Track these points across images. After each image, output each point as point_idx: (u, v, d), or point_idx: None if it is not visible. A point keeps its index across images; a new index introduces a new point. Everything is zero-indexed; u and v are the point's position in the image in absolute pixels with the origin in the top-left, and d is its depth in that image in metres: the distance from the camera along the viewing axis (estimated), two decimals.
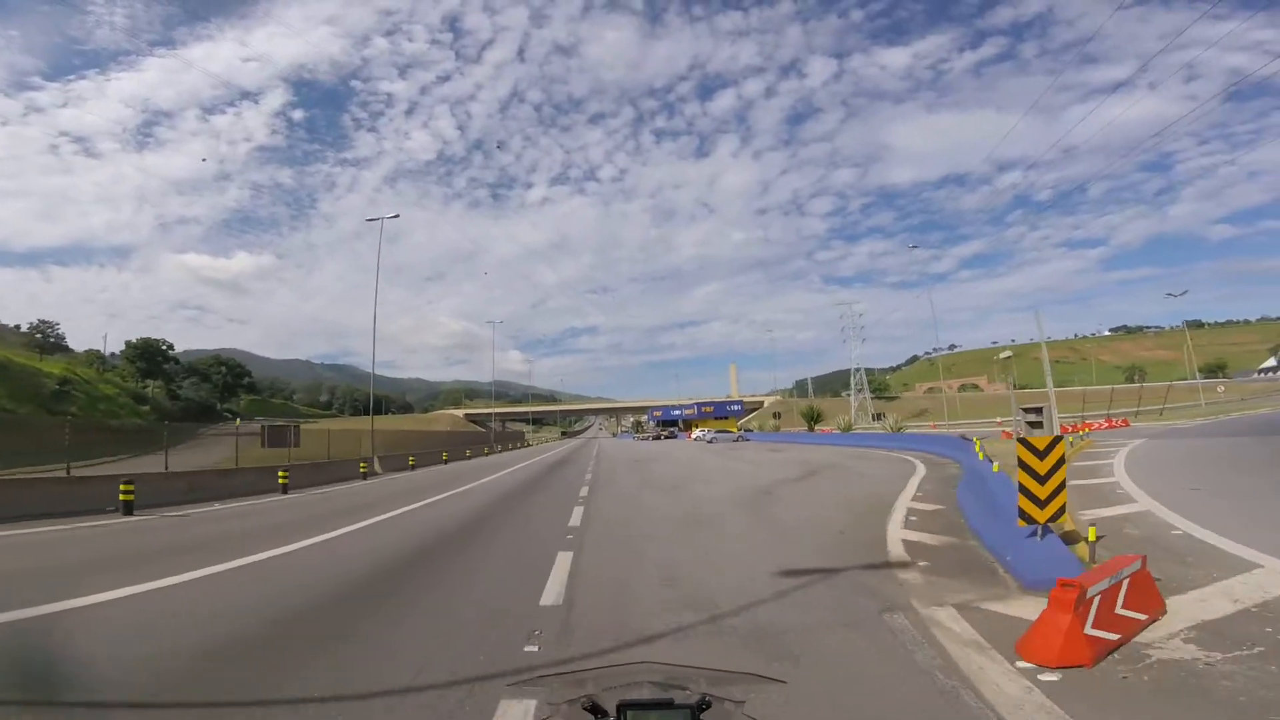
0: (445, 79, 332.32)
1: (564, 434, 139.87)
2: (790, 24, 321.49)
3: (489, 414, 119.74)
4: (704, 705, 1.10)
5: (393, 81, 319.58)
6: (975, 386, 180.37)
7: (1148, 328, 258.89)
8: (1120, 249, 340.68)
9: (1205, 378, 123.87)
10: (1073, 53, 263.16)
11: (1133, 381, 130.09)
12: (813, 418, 47.76)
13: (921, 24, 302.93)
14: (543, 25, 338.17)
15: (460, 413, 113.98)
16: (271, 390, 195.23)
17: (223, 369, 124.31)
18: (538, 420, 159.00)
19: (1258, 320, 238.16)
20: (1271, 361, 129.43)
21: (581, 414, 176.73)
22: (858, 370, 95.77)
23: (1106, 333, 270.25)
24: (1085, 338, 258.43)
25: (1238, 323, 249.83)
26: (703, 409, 79.29)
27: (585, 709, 1.12)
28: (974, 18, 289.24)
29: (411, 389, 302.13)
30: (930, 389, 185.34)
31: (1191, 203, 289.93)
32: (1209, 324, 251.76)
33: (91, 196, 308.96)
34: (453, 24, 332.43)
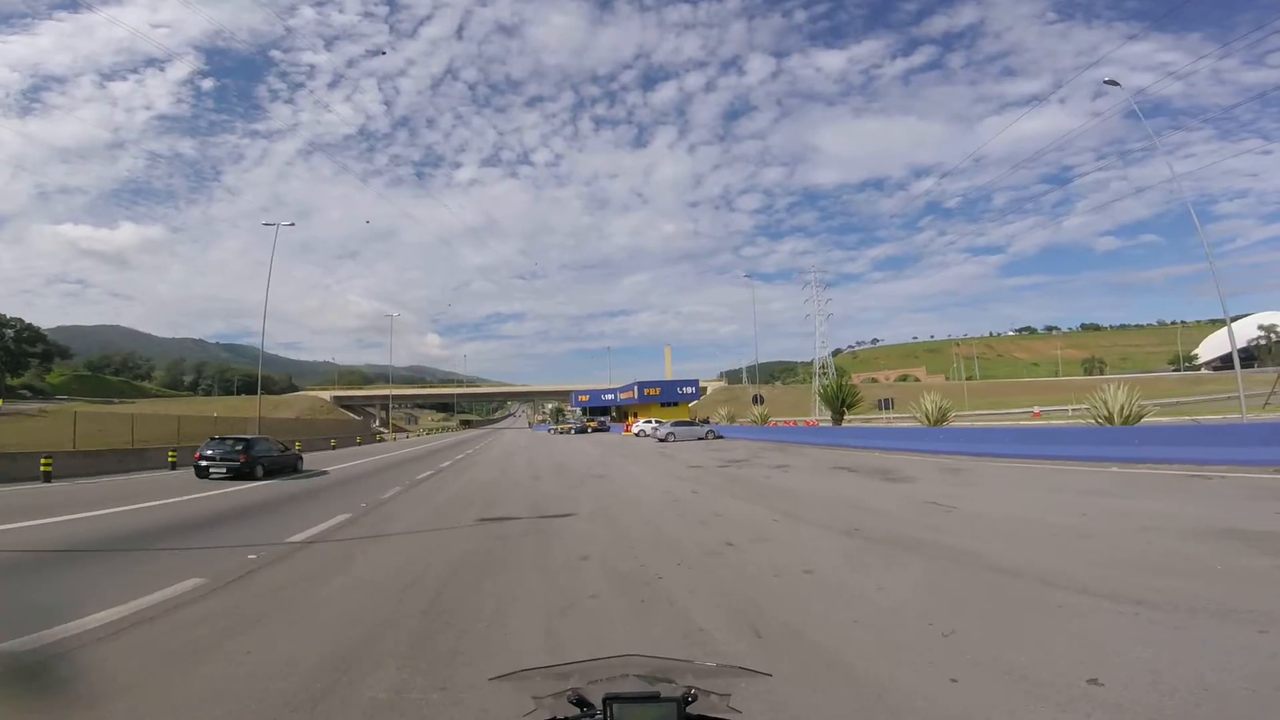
0: (376, 53, 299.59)
1: (465, 424, 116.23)
2: (736, 20, 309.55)
3: (371, 396, 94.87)
4: (690, 698, 1.06)
5: (317, 53, 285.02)
6: (913, 378, 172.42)
7: (1053, 329, 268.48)
8: (1017, 256, 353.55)
9: (1174, 370, 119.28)
10: (996, 65, 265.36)
11: (1094, 373, 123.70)
12: (843, 402, 28.47)
13: (860, 28, 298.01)
14: (487, 4, 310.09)
15: (326, 395, 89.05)
16: (120, 365, 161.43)
17: (6, 331, 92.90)
18: (444, 406, 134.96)
19: (1152, 324, 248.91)
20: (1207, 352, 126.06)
21: (503, 399, 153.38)
22: (824, 354, 79.27)
23: (1010, 333, 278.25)
24: (995, 336, 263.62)
25: (1130, 327, 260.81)
26: (645, 391, 56.30)
27: (571, 702, 1.09)
28: (910, 25, 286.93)
29: (316, 372, 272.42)
30: (866, 379, 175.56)
31: (1084, 215, 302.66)
32: (1106, 327, 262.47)
33: None
34: None
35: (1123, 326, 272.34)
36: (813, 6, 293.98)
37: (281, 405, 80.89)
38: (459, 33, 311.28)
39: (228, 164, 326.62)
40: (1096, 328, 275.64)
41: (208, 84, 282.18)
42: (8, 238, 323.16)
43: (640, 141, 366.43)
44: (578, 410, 76.05)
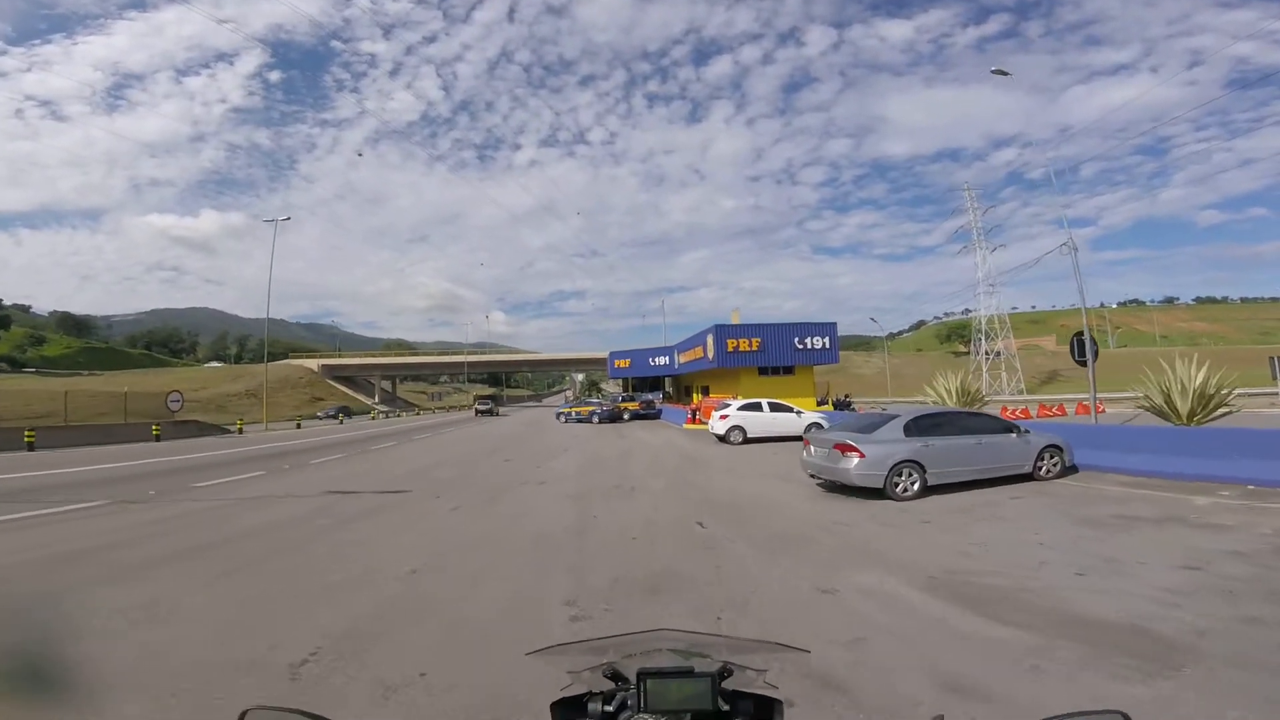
0: (431, 39, 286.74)
1: (481, 401, 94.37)
2: None
3: (367, 366, 74.45)
4: (725, 674, 0.98)
5: (375, 42, 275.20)
6: (1033, 347, 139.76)
7: (1173, 299, 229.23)
8: (1109, 230, 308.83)
9: None
10: (1078, 34, 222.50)
11: None
12: None
13: None
14: None
15: (314, 364, 70.16)
16: (158, 340, 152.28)
17: None
18: (495, 379, 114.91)
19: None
20: None
21: (528, 368, 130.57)
22: (985, 310, 52.55)
23: (1115, 305, 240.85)
24: (1106, 307, 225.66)
25: (1261, 300, 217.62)
26: (728, 345, 27.45)
27: (606, 677, 1.03)
28: None
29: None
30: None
31: (1182, 187, 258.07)
32: (1229, 300, 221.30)
33: (60, 160, 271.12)
34: None
35: (1247, 300, 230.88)
36: None
37: (244, 376, 62.45)
38: (510, 15, 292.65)
39: (302, 153, 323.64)
40: (1214, 300, 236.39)
41: (275, 76, 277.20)
42: (109, 229, 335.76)
43: (695, 117, 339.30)
44: (614, 380, 52.44)
